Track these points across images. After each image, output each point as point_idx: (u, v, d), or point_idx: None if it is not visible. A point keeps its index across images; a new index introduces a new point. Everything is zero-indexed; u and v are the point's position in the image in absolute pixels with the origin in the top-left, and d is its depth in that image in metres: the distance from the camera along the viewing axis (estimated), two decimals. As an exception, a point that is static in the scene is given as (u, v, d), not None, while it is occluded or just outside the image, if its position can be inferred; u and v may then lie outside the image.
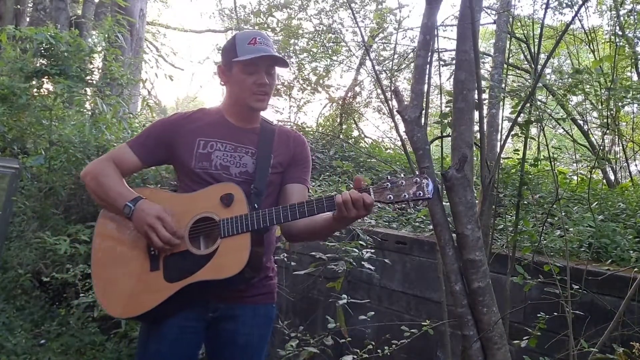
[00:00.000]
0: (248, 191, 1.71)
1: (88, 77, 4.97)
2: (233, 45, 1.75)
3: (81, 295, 3.35)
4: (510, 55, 5.09)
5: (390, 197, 1.56)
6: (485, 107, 2.84)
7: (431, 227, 2.30)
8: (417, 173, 1.60)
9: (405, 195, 1.55)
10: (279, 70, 1.93)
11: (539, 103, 2.73)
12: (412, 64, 2.80)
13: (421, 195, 1.54)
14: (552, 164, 2.69)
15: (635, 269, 2.59)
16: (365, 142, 7.93)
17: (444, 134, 2.19)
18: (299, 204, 1.61)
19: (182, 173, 1.82)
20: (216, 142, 1.78)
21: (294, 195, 1.80)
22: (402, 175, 1.63)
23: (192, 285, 1.62)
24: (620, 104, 3.91)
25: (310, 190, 1.91)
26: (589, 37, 5.68)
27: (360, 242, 3.39)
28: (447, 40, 6.41)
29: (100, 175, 1.77)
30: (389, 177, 1.59)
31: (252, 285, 1.75)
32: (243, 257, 1.60)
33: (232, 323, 1.77)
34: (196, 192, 1.73)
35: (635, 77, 5.48)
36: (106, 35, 5.22)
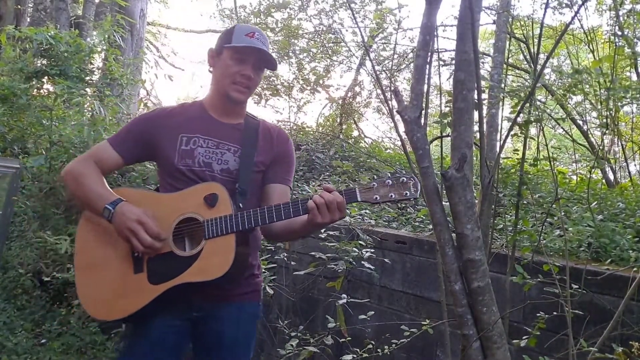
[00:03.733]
0: (233, 190, 1.67)
1: (88, 78, 4.98)
2: (230, 33, 1.74)
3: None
4: (510, 56, 5.10)
5: (376, 198, 1.60)
6: (484, 107, 2.85)
7: (431, 226, 2.31)
8: (403, 173, 1.64)
9: (392, 195, 1.60)
10: (277, 71, 1.94)
11: (538, 103, 2.73)
12: (412, 64, 2.80)
13: (407, 195, 1.59)
14: (552, 163, 2.70)
15: (635, 269, 2.59)
16: (365, 142, 7.94)
17: (444, 134, 2.20)
18: (284, 204, 1.60)
19: (165, 171, 1.77)
20: (198, 137, 1.74)
21: (275, 195, 1.77)
22: (389, 174, 1.69)
23: (177, 287, 1.60)
24: (619, 104, 3.91)
25: (292, 190, 1.91)
26: (589, 37, 5.69)
27: (360, 241, 3.40)
28: (446, 41, 6.43)
29: (81, 176, 1.73)
30: (375, 177, 1.63)
31: (238, 284, 1.72)
32: (228, 259, 1.58)
33: (218, 323, 1.74)
34: (179, 192, 1.69)
35: (634, 77, 5.47)
36: (106, 36, 5.22)
